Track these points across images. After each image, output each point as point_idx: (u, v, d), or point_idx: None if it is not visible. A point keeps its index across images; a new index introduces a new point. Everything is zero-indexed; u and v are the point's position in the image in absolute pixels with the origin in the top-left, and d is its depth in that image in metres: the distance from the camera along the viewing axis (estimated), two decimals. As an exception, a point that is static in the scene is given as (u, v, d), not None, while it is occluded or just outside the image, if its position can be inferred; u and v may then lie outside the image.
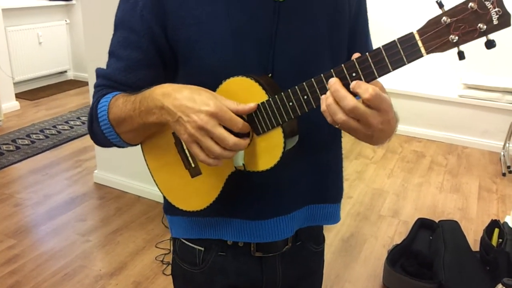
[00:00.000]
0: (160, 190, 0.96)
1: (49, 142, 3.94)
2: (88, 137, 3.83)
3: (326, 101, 0.72)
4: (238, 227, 0.96)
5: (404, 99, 4.34)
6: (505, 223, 2.50)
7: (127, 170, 3.17)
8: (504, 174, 3.68)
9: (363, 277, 2.45)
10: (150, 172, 0.95)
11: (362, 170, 3.69)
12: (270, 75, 0.87)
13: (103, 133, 0.89)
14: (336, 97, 0.70)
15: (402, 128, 4.43)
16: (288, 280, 1.05)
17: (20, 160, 3.61)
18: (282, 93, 0.77)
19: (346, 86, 0.71)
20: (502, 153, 3.92)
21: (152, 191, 3.09)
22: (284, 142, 0.80)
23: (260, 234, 0.96)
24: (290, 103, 0.77)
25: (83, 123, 4.37)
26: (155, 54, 0.88)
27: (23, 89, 5.20)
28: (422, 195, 3.34)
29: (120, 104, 0.85)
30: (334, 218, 1.06)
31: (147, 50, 0.88)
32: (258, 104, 0.79)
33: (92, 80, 3.11)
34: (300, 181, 0.96)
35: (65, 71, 5.73)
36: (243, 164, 0.84)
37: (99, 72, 0.93)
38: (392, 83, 4.30)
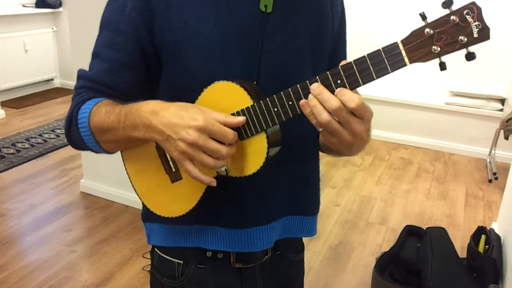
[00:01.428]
0: (138, 195, 0.94)
1: (35, 151, 3.89)
2: (74, 146, 3.72)
3: (311, 102, 0.73)
4: (217, 235, 0.96)
5: (391, 106, 4.38)
6: (492, 229, 2.52)
7: (114, 179, 3.14)
8: (490, 181, 3.72)
9: (352, 285, 2.45)
10: (129, 177, 0.95)
11: (350, 177, 3.70)
12: (255, 82, 0.88)
13: (82, 139, 0.88)
14: (320, 100, 0.72)
15: (389, 135, 4.46)
16: None
17: (5, 169, 3.55)
18: (267, 98, 0.78)
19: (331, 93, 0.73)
20: (488, 160, 3.96)
21: (139, 201, 3.05)
22: (268, 148, 0.80)
23: (239, 244, 0.96)
24: (275, 109, 0.77)
25: (70, 131, 4.33)
26: (140, 56, 0.88)
27: (9, 97, 5.14)
28: (410, 202, 3.36)
29: (103, 114, 0.84)
30: (310, 230, 1.06)
31: (132, 52, 0.88)
32: (243, 109, 0.79)
33: (78, 88, 3.08)
34: (280, 192, 0.97)
35: (52, 79, 5.69)
36: (226, 170, 0.83)
37: (82, 74, 0.92)
38: (379, 90, 4.33)
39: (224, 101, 0.80)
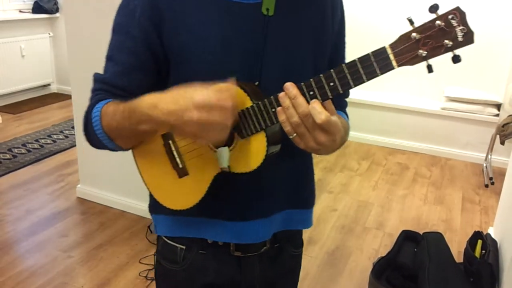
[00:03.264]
0: (148, 189, 1.00)
1: (31, 157, 3.88)
2: (71, 151, 3.76)
3: (285, 103, 0.78)
4: (220, 227, 1.00)
5: (388, 111, 4.39)
6: (488, 234, 2.53)
7: (110, 184, 3.14)
8: (486, 186, 3.73)
9: (349, 291, 2.44)
10: (139, 172, 0.99)
11: (347, 182, 3.71)
12: (257, 83, 0.91)
13: (98, 138, 0.93)
14: (294, 103, 0.78)
15: (386, 140, 4.47)
16: (265, 281, 1.09)
17: (1, 174, 3.54)
18: (266, 100, 0.82)
19: (324, 95, 0.77)
20: (484, 165, 3.98)
21: (136, 206, 3.05)
22: (267, 146, 0.84)
23: (240, 235, 1.00)
24: (273, 109, 0.81)
25: (66, 136, 4.32)
26: (150, 59, 0.93)
27: (5, 102, 5.13)
28: (407, 207, 3.36)
29: (110, 113, 0.89)
30: (307, 222, 1.13)
31: (143, 55, 0.92)
32: (243, 110, 0.83)
33: (75, 93, 3.08)
34: (280, 186, 1.02)
35: (48, 84, 5.68)
36: (228, 166, 0.88)
37: (97, 77, 0.97)
38: (375, 96, 4.35)
39: None
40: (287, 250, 1.12)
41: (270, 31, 0.91)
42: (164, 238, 1.08)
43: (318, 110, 0.76)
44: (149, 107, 0.80)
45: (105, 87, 0.95)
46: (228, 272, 1.05)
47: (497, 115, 4.05)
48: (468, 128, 4.18)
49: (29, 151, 3.99)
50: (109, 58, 0.96)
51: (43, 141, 4.22)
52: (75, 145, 3.45)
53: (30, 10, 5.36)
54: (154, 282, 2.40)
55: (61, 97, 5.50)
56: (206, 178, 0.91)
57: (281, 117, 0.79)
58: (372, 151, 4.37)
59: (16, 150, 3.99)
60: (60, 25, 5.45)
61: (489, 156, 3.88)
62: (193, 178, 0.93)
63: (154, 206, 1.05)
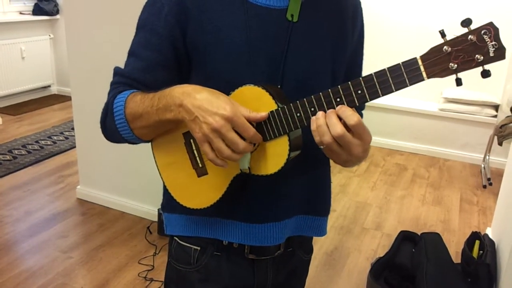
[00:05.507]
0: (166, 186, 1.00)
1: (31, 158, 3.89)
2: (71, 152, 3.76)
3: (316, 122, 0.78)
4: (234, 228, 1.01)
5: (386, 112, 4.40)
6: (486, 235, 2.54)
7: (110, 185, 3.15)
8: (484, 186, 3.74)
9: (347, 291, 2.45)
10: (158, 169, 1.00)
11: (346, 183, 3.72)
12: (279, 86, 0.93)
13: (116, 127, 0.93)
14: (327, 122, 0.78)
15: (384, 141, 4.48)
16: (276, 284, 1.10)
17: (1, 176, 3.55)
18: (291, 104, 0.82)
19: (351, 102, 0.77)
20: (482, 166, 3.99)
21: (136, 207, 3.06)
22: (289, 150, 0.84)
23: (253, 237, 1.01)
24: (298, 114, 0.82)
25: (66, 138, 4.34)
26: (173, 57, 0.94)
27: (6, 104, 5.14)
28: (405, 208, 3.37)
29: (138, 100, 0.90)
30: (321, 230, 1.13)
31: (166, 53, 0.94)
32: (268, 113, 0.84)
33: (75, 94, 3.09)
34: (296, 191, 1.03)
35: (49, 86, 5.69)
36: (249, 167, 0.88)
37: (118, 71, 0.98)
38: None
39: (249, 104, 0.84)
40: (298, 255, 1.13)
41: (293, 37, 0.93)
42: (177, 240, 1.08)
43: (350, 113, 0.76)
44: (182, 93, 0.82)
45: (126, 81, 0.96)
46: (242, 275, 1.06)
47: (495, 116, 4.06)
48: (466, 129, 4.19)
49: (29, 152, 4.01)
50: (132, 53, 0.97)
51: (43, 142, 4.24)
52: (75, 146, 3.46)
53: (31, 12, 5.38)
54: (153, 283, 2.42)
55: (61, 99, 5.51)
56: (225, 179, 0.92)
57: (313, 126, 0.80)
58: (370, 152, 4.35)
59: (16, 151, 4.00)
60: (60, 27, 5.47)
61: (487, 157, 3.90)
62: (212, 178, 0.93)
63: (168, 204, 1.06)
